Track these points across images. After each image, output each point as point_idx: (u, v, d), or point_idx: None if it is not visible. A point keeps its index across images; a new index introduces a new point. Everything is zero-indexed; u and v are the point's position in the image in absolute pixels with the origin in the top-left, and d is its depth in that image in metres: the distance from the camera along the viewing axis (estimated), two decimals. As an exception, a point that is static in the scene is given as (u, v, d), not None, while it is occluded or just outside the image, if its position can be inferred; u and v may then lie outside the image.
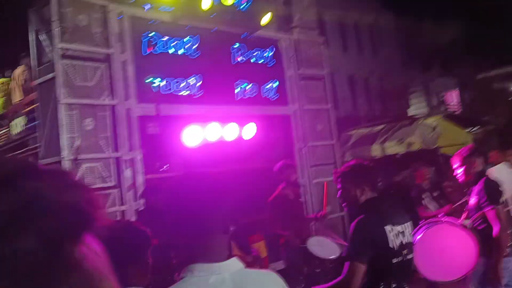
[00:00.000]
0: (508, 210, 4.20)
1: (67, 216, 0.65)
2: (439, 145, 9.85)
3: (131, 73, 5.44)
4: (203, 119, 5.96)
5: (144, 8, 5.69)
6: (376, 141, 10.83)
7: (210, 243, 1.58)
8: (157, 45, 5.75)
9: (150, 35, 5.68)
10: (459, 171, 4.34)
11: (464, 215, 4.55)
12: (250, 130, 6.47)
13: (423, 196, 6.70)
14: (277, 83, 7.03)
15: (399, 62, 24.07)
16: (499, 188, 4.09)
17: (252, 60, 6.79)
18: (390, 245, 2.79)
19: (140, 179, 5.33)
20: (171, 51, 5.86)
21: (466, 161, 4.27)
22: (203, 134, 5.89)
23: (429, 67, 25.70)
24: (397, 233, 2.84)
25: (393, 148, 10.40)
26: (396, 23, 25.09)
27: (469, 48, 22.80)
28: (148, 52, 5.65)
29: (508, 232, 3.99)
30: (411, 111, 23.99)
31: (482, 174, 4.22)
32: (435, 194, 6.92)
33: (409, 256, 2.89)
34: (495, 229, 3.93)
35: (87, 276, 0.67)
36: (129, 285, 2.10)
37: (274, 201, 5.46)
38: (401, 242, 2.86)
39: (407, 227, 2.93)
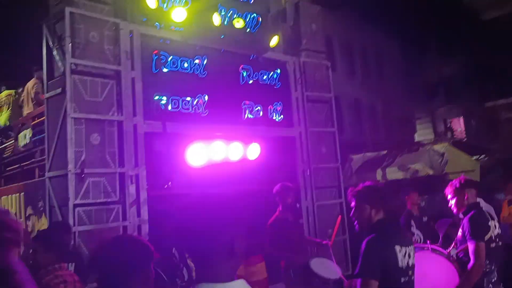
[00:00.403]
0: (497, 246, 4.12)
1: None
2: (448, 171, 9.85)
3: (139, 90, 5.51)
4: (208, 138, 6.01)
5: (156, 26, 5.80)
6: (381, 166, 10.84)
7: (216, 264, 1.60)
8: (166, 64, 5.83)
9: (159, 53, 5.78)
10: (452, 202, 4.33)
11: (452, 245, 4.52)
12: (254, 150, 6.51)
13: (412, 223, 6.75)
14: (282, 104, 7.08)
15: (404, 88, 24.19)
16: (486, 223, 4.07)
17: (259, 82, 6.86)
18: (399, 265, 2.95)
19: (143, 195, 5.35)
20: (179, 70, 5.95)
21: (457, 193, 4.26)
22: (207, 152, 5.93)
23: (435, 94, 25.81)
24: (404, 254, 3.00)
25: (396, 173, 10.39)
26: (402, 49, 25.34)
27: (476, 76, 22.93)
28: (157, 70, 5.74)
29: (483, 269, 3.95)
30: (417, 138, 24.02)
31: (475, 206, 4.20)
32: (424, 219, 6.99)
33: (413, 277, 3.00)
34: (470, 263, 3.92)
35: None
36: None
37: (273, 223, 5.48)
38: (408, 262, 3.02)
39: (412, 249, 3.06)
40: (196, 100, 6.02)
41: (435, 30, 23.83)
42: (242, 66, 6.66)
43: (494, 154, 14.69)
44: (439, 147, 10.55)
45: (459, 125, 26.19)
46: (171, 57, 5.87)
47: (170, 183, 6.16)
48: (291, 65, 7.36)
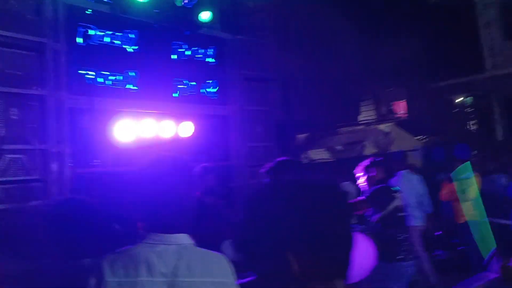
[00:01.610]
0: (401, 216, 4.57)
1: None
2: (392, 150, 10.21)
3: (64, 63, 5.28)
4: (139, 115, 5.88)
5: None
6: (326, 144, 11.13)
7: (163, 216, 1.72)
8: (94, 37, 5.61)
9: (87, 25, 5.54)
10: (361, 181, 4.73)
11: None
12: (187, 128, 6.44)
13: None
14: (218, 82, 7.02)
15: (353, 70, 24.57)
16: (388, 195, 4.49)
17: (193, 58, 6.75)
18: None
19: (67, 173, 5.19)
20: (108, 43, 5.74)
21: (367, 171, 4.67)
22: (137, 129, 5.81)
23: (381, 76, 26.34)
24: None
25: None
26: (353, 31, 25.63)
27: (419, 59, 23.53)
28: (84, 43, 5.51)
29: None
30: (361, 119, 24.55)
31: (382, 182, 4.62)
32: None
33: None
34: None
35: None
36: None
37: None
38: None
39: None
40: (125, 75, 5.85)
41: (383, 13, 24.23)
42: (175, 41, 6.51)
43: (437, 135, 15.30)
44: (384, 127, 10.90)
45: (400, 108, 26.97)
46: (99, 30, 5.65)
47: (99, 160, 6.00)
48: (228, 43, 7.28)
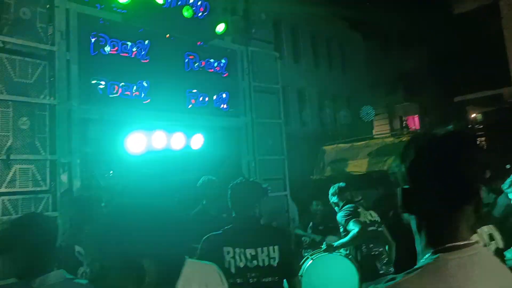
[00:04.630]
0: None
1: None
2: None
3: (75, 73, 5.19)
4: (150, 126, 5.77)
5: (96, 7, 5.48)
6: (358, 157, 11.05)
7: None
8: (106, 46, 5.52)
9: (99, 35, 5.46)
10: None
11: None
12: (198, 140, 6.32)
13: None
14: (229, 94, 6.91)
15: (365, 83, 24.55)
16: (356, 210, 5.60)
17: (205, 70, 6.65)
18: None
19: (77, 184, 5.06)
20: (120, 53, 5.65)
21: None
22: (148, 141, 5.69)
23: (394, 91, 26.17)
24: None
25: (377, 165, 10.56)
26: (365, 43, 25.65)
27: (433, 74, 23.29)
28: (95, 53, 5.42)
29: None
30: (375, 133, 24.36)
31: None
32: None
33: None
34: None
35: None
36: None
37: (193, 215, 5.37)
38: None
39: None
40: (137, 85, 5.75)
41: (398, 24, 24.06)
42: (187, 52, 6.42)
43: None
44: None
45: (413, 123, 26.74)
46: (111, 39, 5.57)
47: (111, 172, 5.89)
48: (239, 54, 7.20)
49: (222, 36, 6.67)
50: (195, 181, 5.78)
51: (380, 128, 26.15)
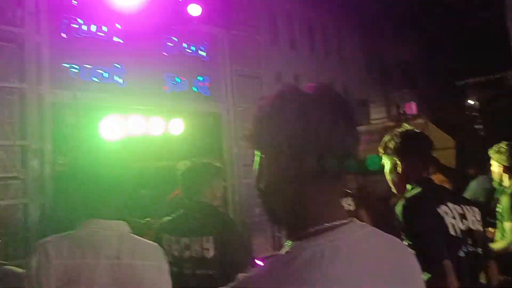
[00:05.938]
0: None
1: None
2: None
3: (46, 56, 5.02)
4: (126, 111, 5.63)
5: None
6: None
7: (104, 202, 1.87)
8: (79, 28, 5.35)
9: (71, 16, 5.28)
10: None
11: None
12: (177, 126, 6.19)
13: None
14: (209, 79, 6.76)
15: (363, 70, 24.35)
16: None
17: (184, 53, 6.49)
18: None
19: (48, 170, 4.92)
20: (94, 35, 5.48)
21: None
22: (124, 126, 5.55)
23: (390, 78, 25.91)
24: None
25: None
26: (362, 30, 25.39)
27: (430, 61, 23.07)
28: (67, 35, 5.25)
29: None
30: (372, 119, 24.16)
31: None
32: None
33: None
34: None
35: None
36: None
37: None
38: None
39: None
40: (112, 69, 5.59)
41: (394, 11, 23.77)
42: (166, 35, 6.26)
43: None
44: (418, 124, 10.56)
45: (411, 110, 26.46)
46: (85, 21, 5.39)
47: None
48: (221, 38, 7.03)
49: (203, 19, 6.50)
50: (173, 167, 5.66)
51: (377, 116, 25.98)
